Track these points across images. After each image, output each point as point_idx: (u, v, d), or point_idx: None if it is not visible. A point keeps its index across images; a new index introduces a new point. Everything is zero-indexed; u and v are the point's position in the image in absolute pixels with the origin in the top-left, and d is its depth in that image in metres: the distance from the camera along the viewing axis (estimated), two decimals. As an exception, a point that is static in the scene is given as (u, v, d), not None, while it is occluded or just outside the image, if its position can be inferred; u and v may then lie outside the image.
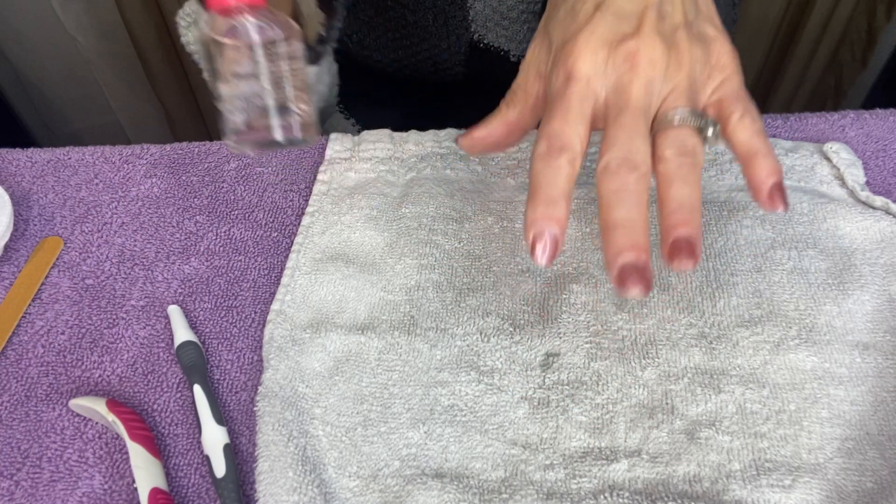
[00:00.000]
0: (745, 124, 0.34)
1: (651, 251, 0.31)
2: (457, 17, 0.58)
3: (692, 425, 0.36)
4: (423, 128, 0.53)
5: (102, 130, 1.26)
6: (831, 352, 0.39)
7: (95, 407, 0.38)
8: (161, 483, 0.36)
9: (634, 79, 0.33)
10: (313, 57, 0.51)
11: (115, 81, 1.20)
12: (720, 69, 0.35)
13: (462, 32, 0.58)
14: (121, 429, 0.37)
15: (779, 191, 0.33)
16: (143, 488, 0.35)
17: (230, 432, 0.38)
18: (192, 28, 0.61)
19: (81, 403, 0.38)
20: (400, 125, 0.70)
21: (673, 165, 0.32)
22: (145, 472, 0.36)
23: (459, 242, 0.45)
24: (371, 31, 0.60)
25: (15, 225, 0.49)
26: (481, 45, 0.60)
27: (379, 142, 0.52)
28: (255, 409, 0.38)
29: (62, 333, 0.43)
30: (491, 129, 0.38)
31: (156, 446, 0.37)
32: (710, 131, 0.34)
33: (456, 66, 0.62)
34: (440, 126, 0.54)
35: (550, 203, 0.32)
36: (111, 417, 0.37)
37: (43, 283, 0.46)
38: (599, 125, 0.34)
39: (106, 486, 0.37)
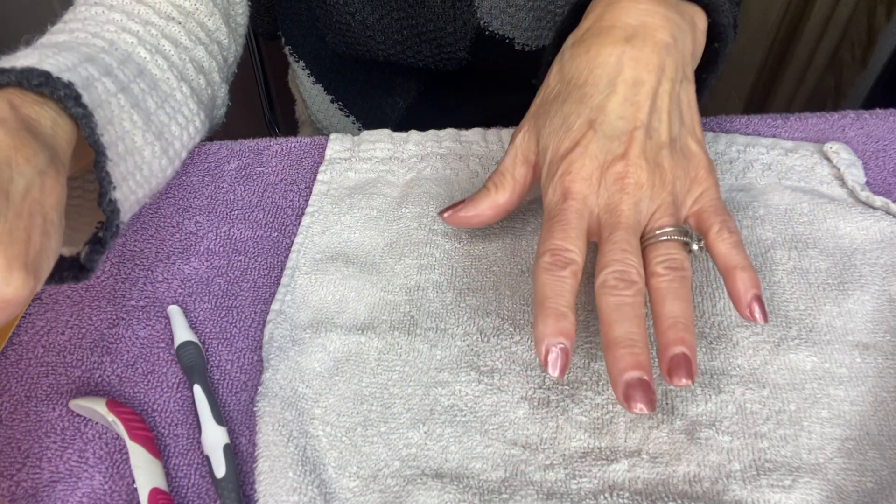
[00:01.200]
0: (724, 237, 0.37)
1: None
2: (463, 2, 0.58)
3: (692, 425, 0.36)
4: (424, 122, 0.53)
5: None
6: (831, 352, 0.39)
7: (95, 407, 0.38)
8: (161, 483, 0.36)
9: (624, 199, 0.36)
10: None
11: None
12: (699, 182, 0.38)
13: (468, 18, 0.58)
14: (121, 429, 0.37)
15: (758, 303, 0.36)
16: (143, 488, 0.35)
17: (230, 432, 0.38)
18: None
19: (81, 404, 0.38)
20: (400, 119, 0.69)
21: (664, 281, 0.35)
22: (145, 473, 0.36)
23: (459, 242, 0.45)
24: (375, 9, 0.60)
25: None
26: (486, 32, 0.60)
27: (379, 142, 0.52)
28: (255, 409, 0.38)
29: (62, 333, 0.43)
30: (480, 209, 0.41)
31: (156, 446, 0.37)
32: (694, 246, 0.37)
33: (460, 52, 0.62)
34: (442, 120, 0.54)
35: (560, 317, 0.34)
36: (111, 418, 0.37)
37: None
38: (594, 238, 0.37)
39: (106, 487, 0.37)
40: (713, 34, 0.42)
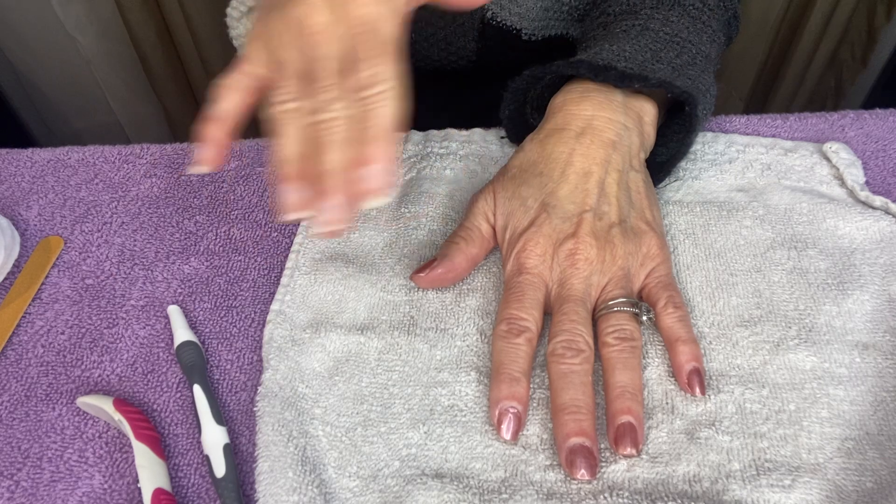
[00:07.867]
0: (669, 311, 0.39)
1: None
2: None
3: (692, 425, 0.36)
4: (429, 128, 0.53)
5: (102, 130, 1.26)
6: (831, 352, 0.39)
7: (102, 405, 0.38)
8: (165, 484, 0.36)
9: (574, 273, 0.39)
10: None
11: (115, 81, 1.20)
12: (651, 257, 0.41)
13: (475, 9, 0.59)
14: (126, 428, 0.37)
15: (696, 375, 0.38)
16: (147, 488, 0.35)
17: (230, 432, 0.38)
18: (243, 20, 0.62)
19: (89, 402, 0.38)
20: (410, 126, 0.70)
21: (614, 351, 0.37)
22: (150, 473, 0.36)
23: (459, 242, 0.45)
24: None
25: (15, 225, 0.49)
26: (494, 22, 0.60)
27: (379, 142, 0.51)
28: (254, 409, 0.38)
29: (62, 333, 0.43)
30: (455, 262, 0.42)
31: (161, 447, 0.37)
32: (644, 317, 0.39)
33: (468, 44, 0.62)
34: (449, 125, 0.54)
35: (513, 382, 0.36)
36: (118, 416, 0.37)
37: (43, 283, 0.46)
38: (550, 311, 0.40)
39: (106, 486, 0.37)
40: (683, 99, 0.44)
